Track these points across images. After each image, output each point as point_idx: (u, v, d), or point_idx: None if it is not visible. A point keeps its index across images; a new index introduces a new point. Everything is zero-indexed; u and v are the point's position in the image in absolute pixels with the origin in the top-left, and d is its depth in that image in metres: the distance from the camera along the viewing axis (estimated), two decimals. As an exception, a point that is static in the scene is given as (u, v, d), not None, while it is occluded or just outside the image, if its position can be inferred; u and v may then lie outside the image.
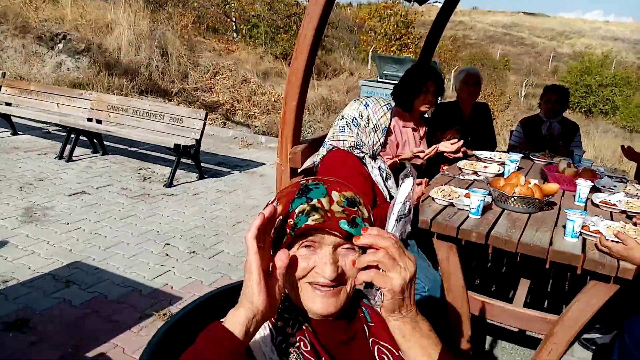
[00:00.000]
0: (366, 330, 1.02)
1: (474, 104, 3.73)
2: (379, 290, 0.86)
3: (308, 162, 2.63)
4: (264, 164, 6.57)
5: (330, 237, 0.93)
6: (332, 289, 0.94)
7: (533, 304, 3.02)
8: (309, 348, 0.93)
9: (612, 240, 1.84)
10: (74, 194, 4.69)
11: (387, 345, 1.00)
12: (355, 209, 0.95)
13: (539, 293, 3.31)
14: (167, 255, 3.64)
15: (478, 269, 3.63)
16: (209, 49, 11.66)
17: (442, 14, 4.39)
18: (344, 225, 0.90)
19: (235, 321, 0.81)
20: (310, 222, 0.90)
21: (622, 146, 3.76)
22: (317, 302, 0.94)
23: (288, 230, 0.94)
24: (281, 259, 0.85)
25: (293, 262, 0.94)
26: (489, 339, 2.91)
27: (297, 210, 0.93)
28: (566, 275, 3.64)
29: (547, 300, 3.30)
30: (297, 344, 0.93)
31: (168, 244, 3.82)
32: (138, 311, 2.87)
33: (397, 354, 0.98)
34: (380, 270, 0.84)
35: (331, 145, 2.27)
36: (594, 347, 2.80)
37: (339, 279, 0.94)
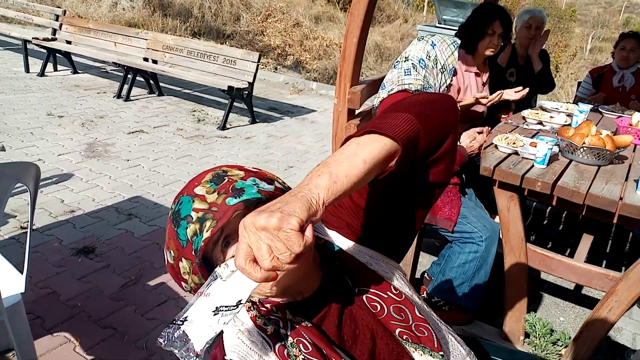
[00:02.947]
0: (347, 279, 0.92)
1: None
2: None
3: (366, 105, 2.58)
4: (315, 110, 6.52)
5: (235, 221, 0.81)
6: None
7: (591, 263, 2.93)
8: (310, 349, 0.82)
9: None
10: (132, 132, 4.84)
11: (371, 290, 0.91)
12: (226, 180, 0.85)
13: (598, 254, 3.20)
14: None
15: (534, 226, 3.53)
16: (261, -10, 11.42)
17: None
18: (232, 201, 0.81)
19: None
20: (206, 234, 0.80)
21: None
22: (289, 275, 0.79)
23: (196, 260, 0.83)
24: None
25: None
26: (543, 294, 2.86)
27: (189, 237, 0.82)
28: (627, 236, 3.50)
29: (606, 261, 3.19)
30: (297, 347, 0.82)
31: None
32: (194, 245, 2.98)
33: (385, 295, 0.91)
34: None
35: (392, 88, 2.20)
36: None
37: None
